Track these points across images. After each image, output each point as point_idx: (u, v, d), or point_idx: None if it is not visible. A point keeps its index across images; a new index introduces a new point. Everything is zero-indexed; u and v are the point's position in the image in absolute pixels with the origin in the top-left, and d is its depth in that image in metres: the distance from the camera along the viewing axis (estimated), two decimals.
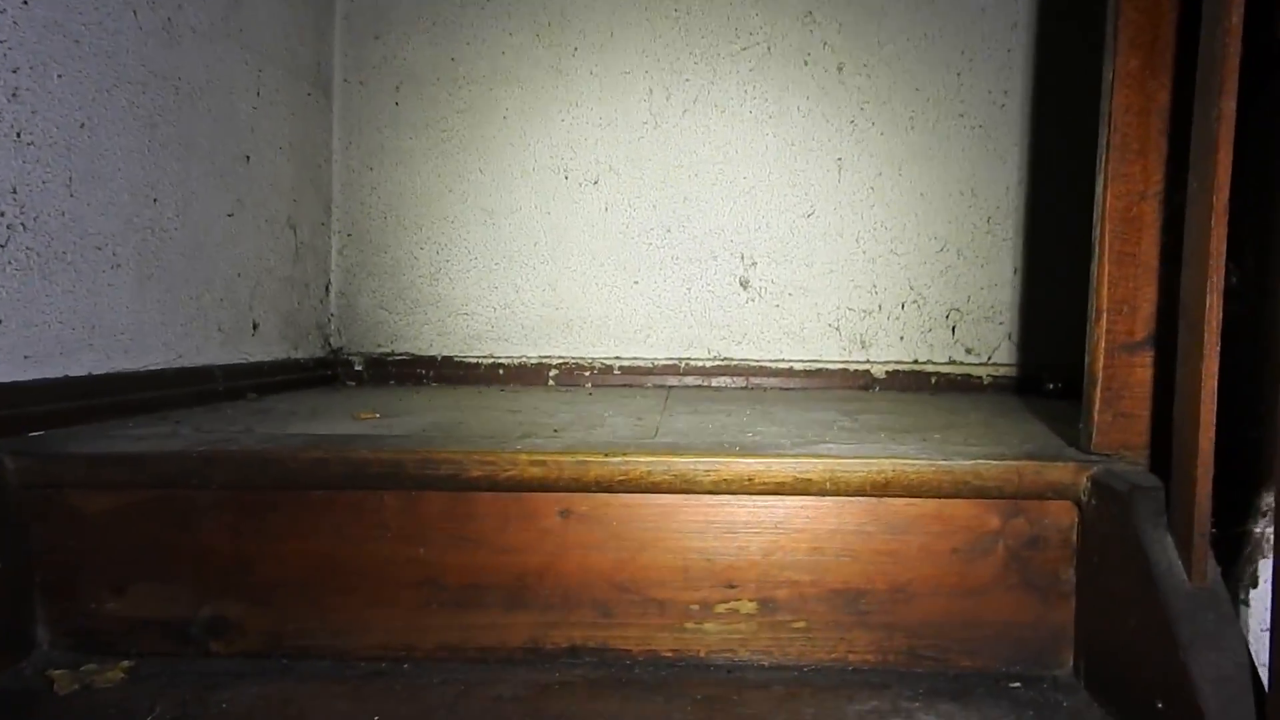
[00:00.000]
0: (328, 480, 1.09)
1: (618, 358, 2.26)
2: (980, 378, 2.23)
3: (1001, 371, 2.23)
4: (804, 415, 1.58)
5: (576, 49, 2.26)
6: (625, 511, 1.10)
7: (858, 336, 2.25)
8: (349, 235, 2.27)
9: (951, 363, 2.24)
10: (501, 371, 2.26)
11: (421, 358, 2.27)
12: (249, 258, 1.86)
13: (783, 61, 2.24)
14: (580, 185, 2.26)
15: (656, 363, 2.26)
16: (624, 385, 2.24)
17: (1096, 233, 1.08)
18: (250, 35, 1.84)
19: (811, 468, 1.06)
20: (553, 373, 2.26)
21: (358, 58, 2.27)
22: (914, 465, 1.06)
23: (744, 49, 2.24)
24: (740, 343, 2.26)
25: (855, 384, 2.23)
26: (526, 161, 2.26)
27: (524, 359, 2.27)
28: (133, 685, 1.03)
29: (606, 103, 2.25)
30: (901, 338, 2.25)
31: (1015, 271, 2.23)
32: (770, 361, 2.25)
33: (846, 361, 2.25)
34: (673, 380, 2.25)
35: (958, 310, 2.24)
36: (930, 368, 2.24)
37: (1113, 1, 1.06)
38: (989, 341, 2.24)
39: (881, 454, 1.08)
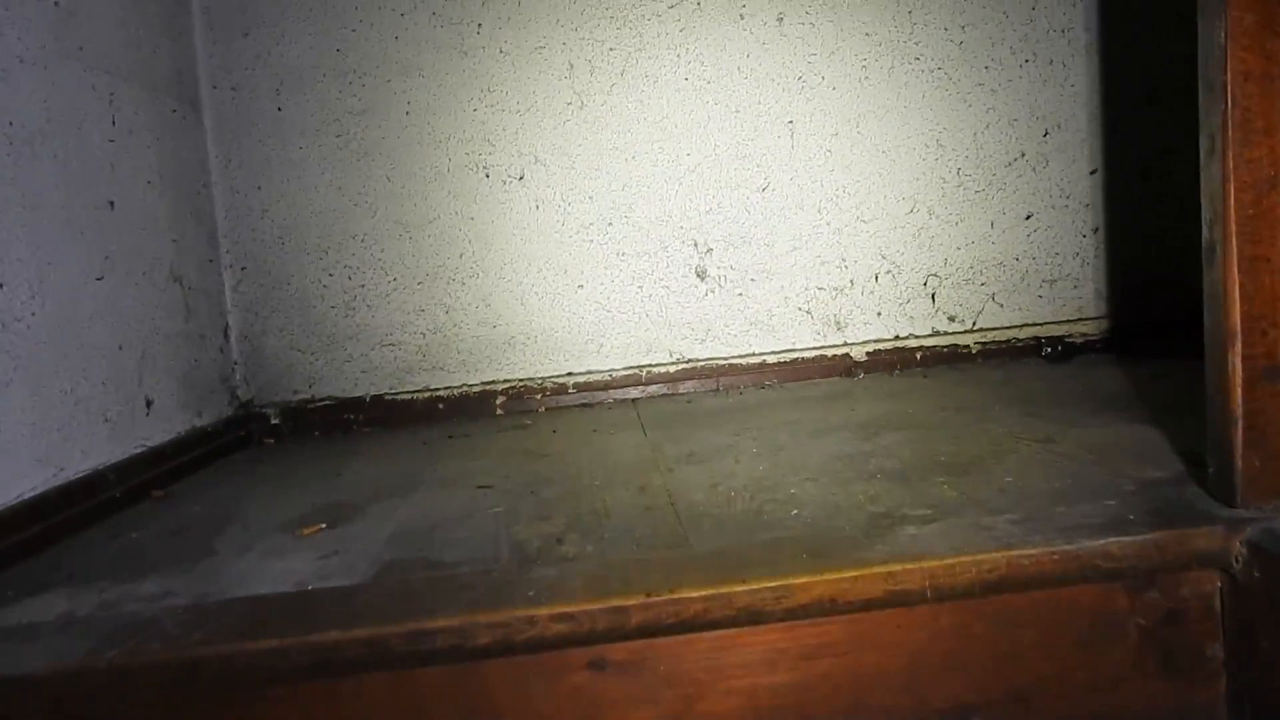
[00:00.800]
0: (289, 673, 0.83)
1: (570, 374, 2.00)
2: (968, 347, 2.04)
3: (989, 337, 2.04)
4: (815, 445, 1.36)
5: (480, 25, 1.96)
6: (673, 650, 0.86)
7: (831, 318, 2.03)
8: (244, 269, 1.95)
9: (935, 334, 2.05)
10: (441, 405, 1.98)
11: (347, 400, 1.98)
12: (130, 322, 1.54)
13: (716, 17, 1.98)
14: (504, 183, 1.98)
15: (614, 374, 2.01)
16: (581, 405, 1.98)
17: (1215, 234, 0.87)
18: (94, 52, 1.51)
19: (907, 577, 0.84)
20: (499, 400, 1.99)
21: (226, 59, 1.93)
22: (1030, 555, 0.85)
23: (671, 7, 1.97)
24: (704, 340, 2.02)
25: (835, 370, 2.02)
26: (439, 162, 1.96)
27: (465, 388, 1.99)
28: None
29: (523, 84, 1.97)
30: (879, 313, 2.04)
31: (992, 225, 2.03)
32: (739, 357, 2.02)
33: (823, 347, 2.03)
34: (635, 391, 2.00)
35: (935, 275, 2.04)
36: (913, 342, 2.04)
37: None
38: (972, 306, 2.05)
39: (989, 545, 0.86)
